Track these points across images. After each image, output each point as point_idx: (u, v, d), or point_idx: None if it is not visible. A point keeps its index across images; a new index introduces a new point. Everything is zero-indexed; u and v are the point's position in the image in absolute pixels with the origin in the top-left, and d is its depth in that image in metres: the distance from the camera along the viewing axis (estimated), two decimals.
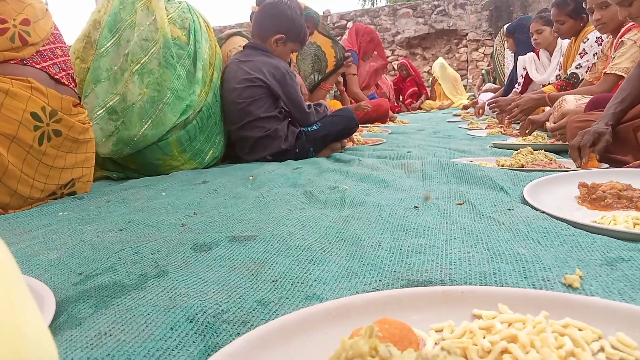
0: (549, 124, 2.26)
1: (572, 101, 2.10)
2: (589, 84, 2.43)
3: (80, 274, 0.70)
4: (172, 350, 0.47)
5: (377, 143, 2.47)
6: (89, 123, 1.42)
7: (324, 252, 0.74)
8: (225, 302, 0.56)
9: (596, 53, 2.57)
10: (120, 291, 0.62)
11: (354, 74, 4.26)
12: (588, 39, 2.68)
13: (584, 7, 2.52)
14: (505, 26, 4.61)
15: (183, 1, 1.88)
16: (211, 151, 1.89)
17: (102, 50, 1.65)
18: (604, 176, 1.06)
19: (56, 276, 0.70)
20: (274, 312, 0.55)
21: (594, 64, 2.51)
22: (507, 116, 2.72)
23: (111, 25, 1.67)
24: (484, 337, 0.42)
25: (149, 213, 1.09)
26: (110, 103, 1.62)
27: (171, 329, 0.50)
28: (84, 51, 1.74)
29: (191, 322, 0.51)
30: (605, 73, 2.15)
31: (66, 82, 1.35)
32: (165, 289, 0.61)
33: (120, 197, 1.33)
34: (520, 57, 3.98)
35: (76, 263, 0.75)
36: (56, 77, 1.31)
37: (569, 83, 2.73)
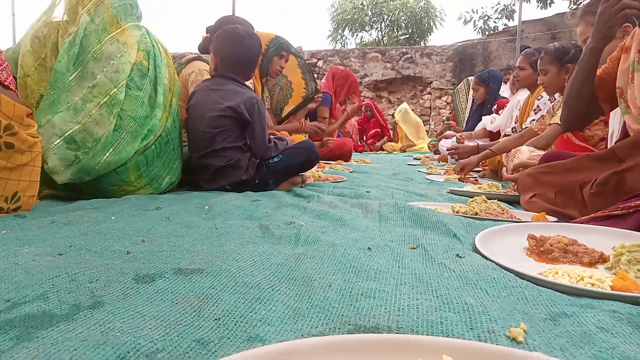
0: (505, 174, 2.36)
1: (526, 152, 2.20)
2: (534, 133, 2.56)
3: (7, 300, 0.65)
4: None
5: (338, 180, 2.49)
6: (38, 137, 1.37)
7: (272, 290, 0.72)
8: (161, 340, 0.53)
9: (549, 110, 2.73)
10: (48, 322, 0.57)
11: (325, 117, 4.27)
12: (542, 97, 2.85)
13: None
14: (476, 75, 4.81)
15: (142, 26, 1.86)
16: (168, 177, 1.84)
17: (62, 85, 1.56)
18: (552, 229, 1.09)
19: None
20: (213, 353, 0.52)
21: (543, 116, 2.66)
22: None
23: (75, 58, 1.59)
24: None
25: (93, 237, 1.04)
26: (69, 132, 1.54)
27: None
28: (37, 72, 1.63)
29: None
30: (549, 124, 2.31)
31: (13, 88, 1.32)
32: (99, 322, 0.57)
33: (66, 218, 1.27)
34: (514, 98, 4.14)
35: (5, 288, 0.70)
36: (5, 83, 1.28)
37: None
